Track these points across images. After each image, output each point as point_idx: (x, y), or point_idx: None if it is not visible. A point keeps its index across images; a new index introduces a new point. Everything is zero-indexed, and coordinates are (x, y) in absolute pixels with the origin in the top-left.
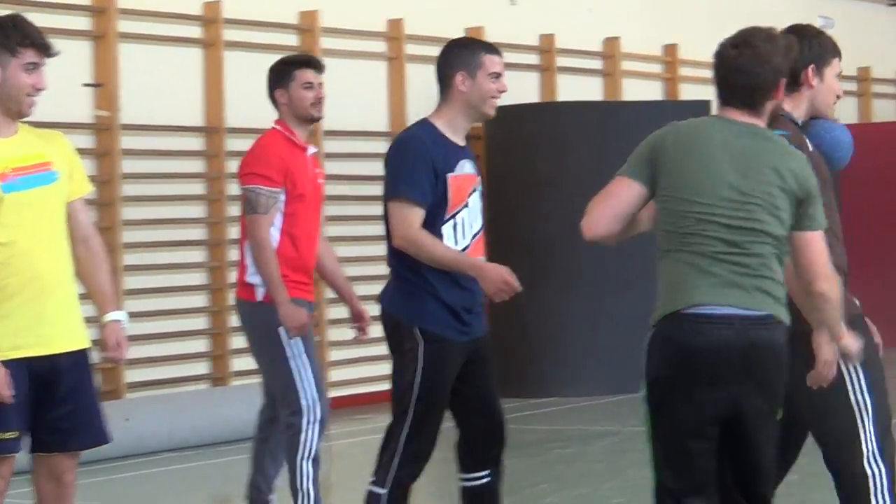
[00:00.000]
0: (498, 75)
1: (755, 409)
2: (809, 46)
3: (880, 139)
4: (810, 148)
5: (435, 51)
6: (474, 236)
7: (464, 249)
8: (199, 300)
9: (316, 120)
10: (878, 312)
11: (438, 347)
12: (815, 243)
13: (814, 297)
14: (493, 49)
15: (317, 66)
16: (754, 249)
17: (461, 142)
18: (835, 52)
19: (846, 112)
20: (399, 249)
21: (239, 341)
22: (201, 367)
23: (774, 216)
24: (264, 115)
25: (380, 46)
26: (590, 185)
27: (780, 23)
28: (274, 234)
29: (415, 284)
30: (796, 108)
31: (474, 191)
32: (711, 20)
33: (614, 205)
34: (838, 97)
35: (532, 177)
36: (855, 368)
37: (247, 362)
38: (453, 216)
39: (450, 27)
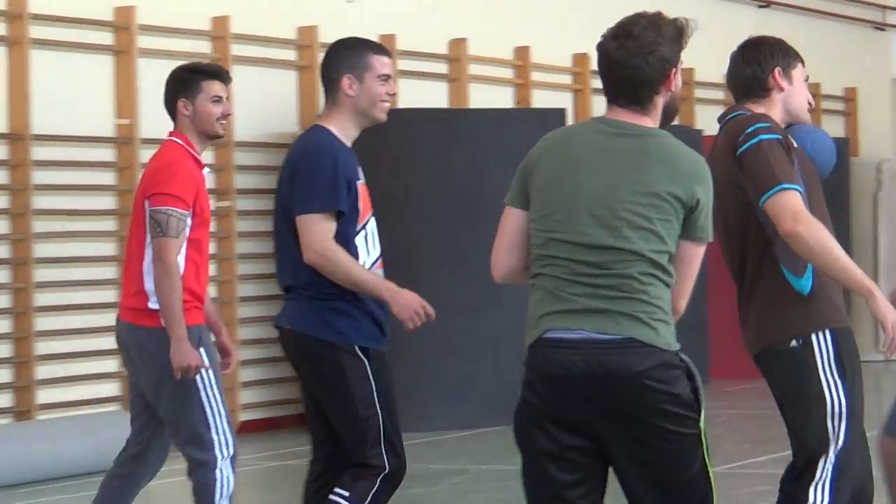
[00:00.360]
0: (387, 77)
1: (622, 439)
2: (771, 52)
3: None
4: (794, 144)
5: (262, 52)
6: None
7: (377, 259)
8: (2, 326)
9: (219, 136)
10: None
11: (382, 363)
12: (695, 258)
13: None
14: (381, 49)
15: (226, 79)
16: (619, 269)
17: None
18: (797, 56)
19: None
20: (313, 266)
21: (45, 371)
22: (3, 400)
23: (647, 230)
24: (75, 120)
25: (204, 46)
26: (433, 198)
27: None
28: (179, 261)
29: (346, 301)
30: (769, 112)
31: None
32: (567, 22)
33: (502, 239)
34: (810, 104)
35: (371, 190)
36: (838, 392)
37: (53, 394)
38: (364, 226)
39: (281, 27)
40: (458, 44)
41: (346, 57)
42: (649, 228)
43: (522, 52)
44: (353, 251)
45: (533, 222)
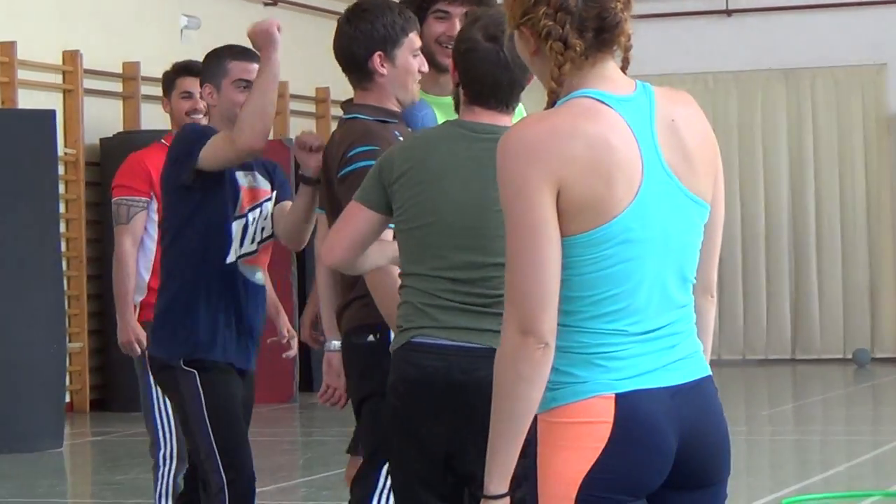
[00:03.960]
0: (248, 83)
1: None
2: (373, 28)
3: None
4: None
5: None
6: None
7: (248, 254)
8: None
9: None
10: None
11: (216, 375)
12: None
13: None
14: (242, 54)
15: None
16: (488, 286)
17: None
18: (412, 24)
19: None
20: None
21: None
22: None
23: None
24: None
25: None
26: None
27: (140, 22)
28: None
29: (165, 313)
30: (380, 101)
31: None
32: (58, 15)
33: (347, 232)
34: (421, 71)
35: None
36: None
37: None
38: (246, 214)
39: None
40: None
41: (208, 65)
42: None
43: (7, 47)
44: (226, 236)
45: (400, 233)
